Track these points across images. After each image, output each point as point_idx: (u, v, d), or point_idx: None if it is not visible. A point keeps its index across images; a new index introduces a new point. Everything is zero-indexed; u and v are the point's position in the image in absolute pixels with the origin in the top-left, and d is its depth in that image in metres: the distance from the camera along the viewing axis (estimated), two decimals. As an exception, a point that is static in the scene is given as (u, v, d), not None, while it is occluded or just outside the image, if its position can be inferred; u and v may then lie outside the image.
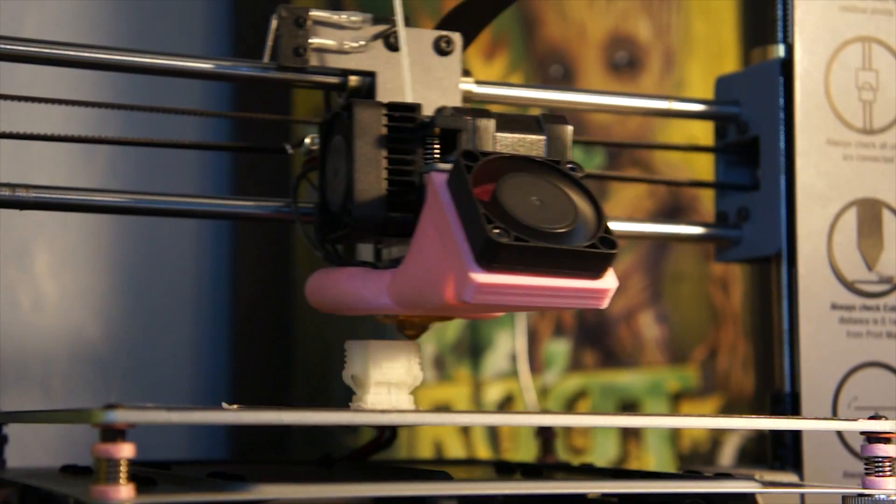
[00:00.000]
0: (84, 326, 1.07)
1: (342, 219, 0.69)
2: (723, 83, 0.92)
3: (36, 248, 1.06)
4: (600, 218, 0.63)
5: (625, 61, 1.22)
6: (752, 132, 0.89)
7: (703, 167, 1.08)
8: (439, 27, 0.80)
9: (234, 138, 1.08)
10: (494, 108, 0.73)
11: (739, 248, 0.90)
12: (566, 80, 1.20)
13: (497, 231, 0.60)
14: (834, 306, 0.85)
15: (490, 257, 0.60)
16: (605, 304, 0.63)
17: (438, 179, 0.64)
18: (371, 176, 0.68)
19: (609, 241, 0.62)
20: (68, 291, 1.06)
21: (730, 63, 1.21)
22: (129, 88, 1.02)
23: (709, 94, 0.93)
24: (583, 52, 1.21)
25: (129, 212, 0.79)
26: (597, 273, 0.62)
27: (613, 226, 0.88)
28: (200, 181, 1.09)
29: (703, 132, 1.00)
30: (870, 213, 0.87)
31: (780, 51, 0.87)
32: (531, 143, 0.70)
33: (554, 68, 1.20)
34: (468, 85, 0.82)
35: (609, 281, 0.63)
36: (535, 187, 0.63)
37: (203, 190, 1.08)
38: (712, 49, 1.23)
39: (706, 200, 1.19)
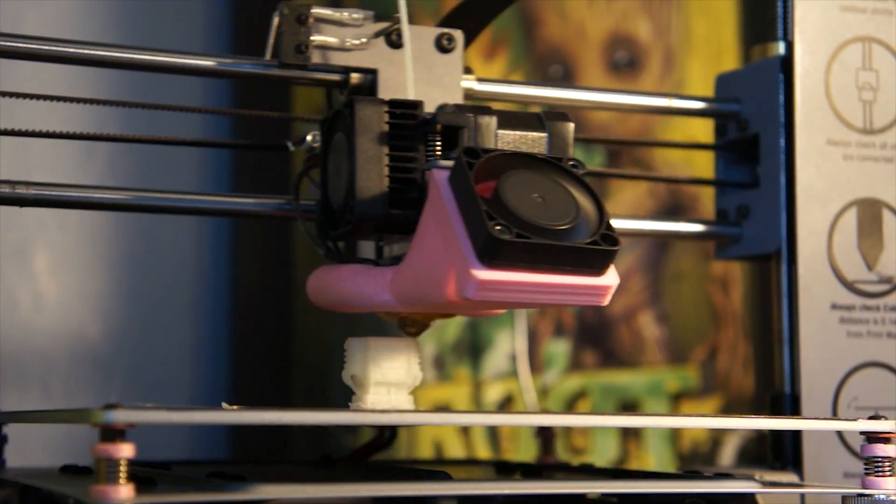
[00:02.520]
0: (84, 326, 1.07)
1: (344, 216, 0.69)
2: (723, 81, 0.92)
3: (36, 247, 1.06)
4: (602, 215, 0.63)
5: (625, 61, 1.22)
6: (753, 130, 0.88)
7: (704, 168, 1.08)
8: (441, 25, 0.80)
9: (234, 136, 1.08)
10: (497, 106, 0.73)
11: (739, 245, 0.90)
12: (566, 80, 1.20)
13: (499, 228, 0.60)
14: (834, 306, 0.85)
15: (492, 254, 0.60)
16: (606, 300, 0.63)
17: (440, 176, 0.64)
18: (372, 173, 0.68)
19: (611, 237, 0.62)
20: (68, 291, 1.06)
21: (730, 63, 1.21)
22: (130, 86, 1.02)
23: (709, 93, 0.93)
24: (583, 51, 1.21)
25: (128, 209, 0.79)
26: (598, 270, 0.62)
27: (613, 223, 0.89)
28: (201, 179, 1.09)
29: (704, 133, 1.00)
30: (870, 213, 0.86)
31: (780, 48, 0.87)
32: (533, 141, 0.70)
33: (554, 68, 1.20)
34: (469, 82, 0.81)
35: (610, 278, 0.63)
36: (536, 184, 0.63)
37: (204, 188, 1.08)
38: (712, 49, 1.23)
39: (706, 200, 1.19)
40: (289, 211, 0.78)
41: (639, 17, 1.22)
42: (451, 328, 1.15)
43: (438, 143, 0.69)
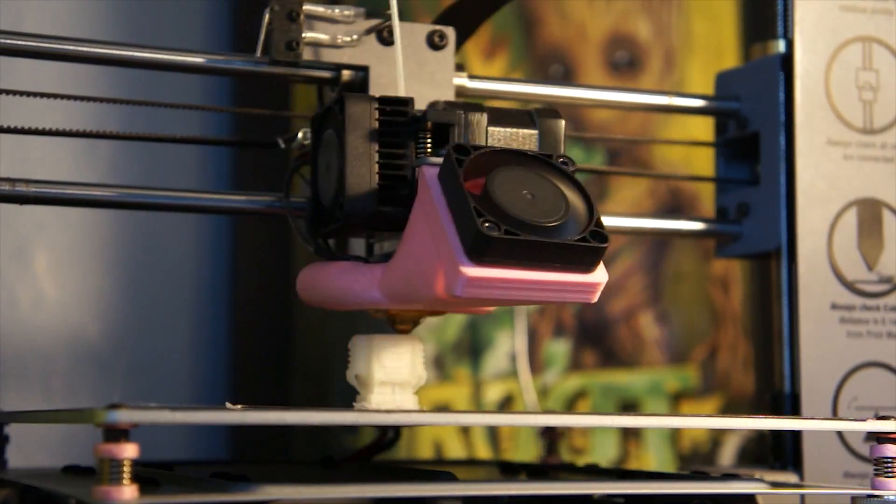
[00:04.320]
0: (84, 326, 1.06)
1: (334, 213, 0.69)
2: (723, 79, 0.92)
3: (36, 247, 1.06)
4: (592, 212, 0.63)
5: (625, 61, 1.22)
6: (753, 128, 0.89)
7: (703, 169, 1.08)
8: (436, 23, 0.80)
9: (234, 134, 1.08)
10: (497, 104, 0.73)
11: (739, 243, 0.90)
12: (566, 80, 1.20)
13: (487, 224, 0.59)
14: (834, 306, 0.85)
15: (480, 251, 0.60)
16: (595, 297, 0.63)
17: (430, 173, 0.64)
18: (362, 170, 0.68)
19: (600, 234, 0.62)
20: (68, 291, 1.06)
21: (730, 62, 1.21)
22: (129, 85, 1.02)
23: (709, 93, 0.93)
24: (583, 51, 1.21)
25: (126, 206, 0.79)
26: (587, 267, 0.62)
27: (614, 222, 0.89)
28: (201, 178, 1.09)
29: (704, 133, 1.00)
30: (870, 213, 0.87)
31: (781, 46, 0.87)
32: (524, 138, 0.70)
33: (554, 68, 1.20)
34: (461, 80, 0.81)
35: (599, 275, 0.62)
36: (526, 181, 0.63)
37: (204, 186, 1.08)
38: (712, 48, 1.23)
39: (706, 200, 1.19)
40: (279, 208, 0.78)
41: (639, 17, 1.22)
42: (451, 328, 1.15)
43: (429, 139, 0.68)
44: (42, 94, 0.77)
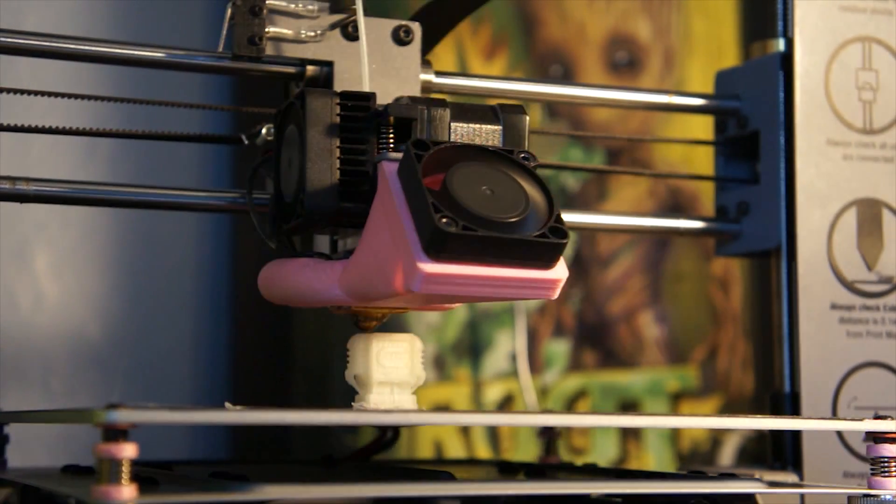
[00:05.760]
0: (84, 326, 1.07)
1: (295, 209, 0.69)
2: (723, 77, 0.92)
3: (36, 247, 1.06)
4: (552, 208, 0.62)
5: (625, 61, 1.22)
6: (752, 126, 0.89)
7: (703, 169, 1.08)
8: (412, 20, 0.79)
9: (234, 132, 1.08)
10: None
11: (739, 242, 0.90)
12: (566, 80, 1.20)
13: (445, 220, 0.59)
14: (834, 306, 0.85)
15: (438, 247, 0.59)
16: (555, 294, 0.62)
17: (389, 168, 0.63)
18: (323, 165, 0.67)
19: (560, 230, 0.61)
20: (69, 291, 1.06)
21: (730, 62, 1.21)
22: (129, 84, 1.02)
23: (709, 92, 0.93)
24: (583, 51, 1.21)
25: (126, 205, 0.79)
26: (547, 263, 0.61)
27: (615, 220, 0.89)
28: (201, 176, 1.09)
29: (704, 133, 1.00)
30: (870, 213, 0.87)
31: (780, 45, 0.87)
32: (487, 133, 0.69)
33: (554, 68, 1.20)
34: (428, 75, 0.81)
35: (559, 271, 0.62)
36: (486, 177, 0.62)
37: (204, 185, 1.07)
38: (712, 48, 1.23)
39: (706, 200, 1.19)
40: (243, 205, 0.78)
41: (639, 17, 1.22)
42: (451, 328, 1.15)
43: (391, 135, 0.68)
44: (42, 93, 0.77)
